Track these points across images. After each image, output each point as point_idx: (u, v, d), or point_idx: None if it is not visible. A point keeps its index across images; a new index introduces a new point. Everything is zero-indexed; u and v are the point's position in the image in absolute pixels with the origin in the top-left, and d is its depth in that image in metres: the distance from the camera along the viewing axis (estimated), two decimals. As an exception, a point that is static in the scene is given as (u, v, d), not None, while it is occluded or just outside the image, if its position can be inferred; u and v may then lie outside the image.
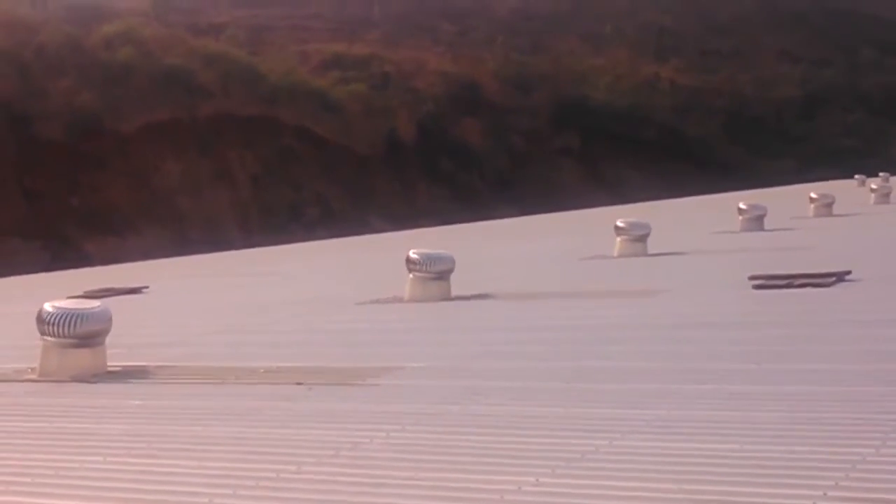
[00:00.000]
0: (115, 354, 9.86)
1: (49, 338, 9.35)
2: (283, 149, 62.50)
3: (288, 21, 76.67)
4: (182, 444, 6.67)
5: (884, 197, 33.79)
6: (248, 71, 65.76)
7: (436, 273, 13.98)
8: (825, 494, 4.80)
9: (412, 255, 14.15)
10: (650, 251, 19.05)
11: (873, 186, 36.06)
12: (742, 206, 24.98)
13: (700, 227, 26.74)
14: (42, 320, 9.37)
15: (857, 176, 51.66)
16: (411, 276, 14.06)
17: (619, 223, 19.64)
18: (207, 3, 73.78)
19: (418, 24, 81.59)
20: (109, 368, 9.57)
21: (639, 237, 19.36)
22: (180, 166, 58.02)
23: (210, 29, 70.59)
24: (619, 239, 19.39)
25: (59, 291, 15.99)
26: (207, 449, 6.50)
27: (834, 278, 12.73)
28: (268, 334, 11.95)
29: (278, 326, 12.64)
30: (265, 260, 27.30)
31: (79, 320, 9.30)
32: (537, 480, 5.33)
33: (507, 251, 24.16)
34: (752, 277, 13.16)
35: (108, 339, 9.64)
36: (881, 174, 49.82)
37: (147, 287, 19.27)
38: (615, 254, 19.15)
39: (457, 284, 14.12)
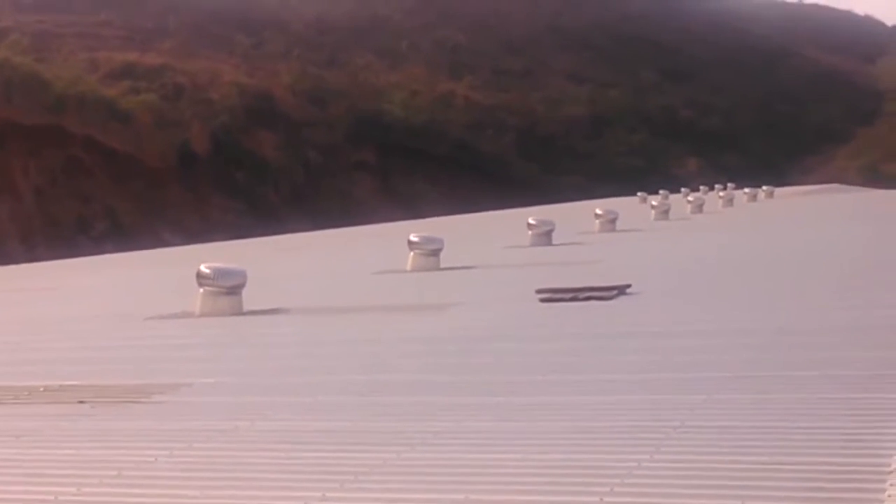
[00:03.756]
0: None
1: None
2: (70, 159, 60.38)
3: (76, 28, 74.21)
4: (-48, 469, 6.34)
5: (663, 214, 35.33)
6: (32, 78, 63.27)
7: (227, 287, 13.80)
8: (601, 500, 4.99)
9: (203, 269, 13.92)
10: (443, 265, 19.34)
11: (654, 203, 37.68)
12: (531, 221, 25.64)
13: (491, 241, 27.32)
14: None
15: (639, 193, 53.87)
16: (202, 290, 13.83)
17: (413, 238, 19.86)
18: (-12, 7, 70.71)
19: (213, 34, 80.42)
20: None
21: (432, 252, 19.63)
22: (-43, 176, 55.21)
23: (-9, 33, 67.58)
24: (412, 253, 19.61)
25: None
26: (-20, 473, 6.20)
27: (616, 291, 13.25)
28: (49, 351, 11.51)
29: (60, 343, 12.19)
30: (49, 275, 26.27)
31: None
32: (324, 496, 5.33)
33: (300, 265, 24.04)
34: (539, 291, 13.54)
35: None
36: (661, 192, 52.20)
37: (-82, 303, 18.26)
38: (408, 268, 19.36)
39: (249, 299, 13.97)
